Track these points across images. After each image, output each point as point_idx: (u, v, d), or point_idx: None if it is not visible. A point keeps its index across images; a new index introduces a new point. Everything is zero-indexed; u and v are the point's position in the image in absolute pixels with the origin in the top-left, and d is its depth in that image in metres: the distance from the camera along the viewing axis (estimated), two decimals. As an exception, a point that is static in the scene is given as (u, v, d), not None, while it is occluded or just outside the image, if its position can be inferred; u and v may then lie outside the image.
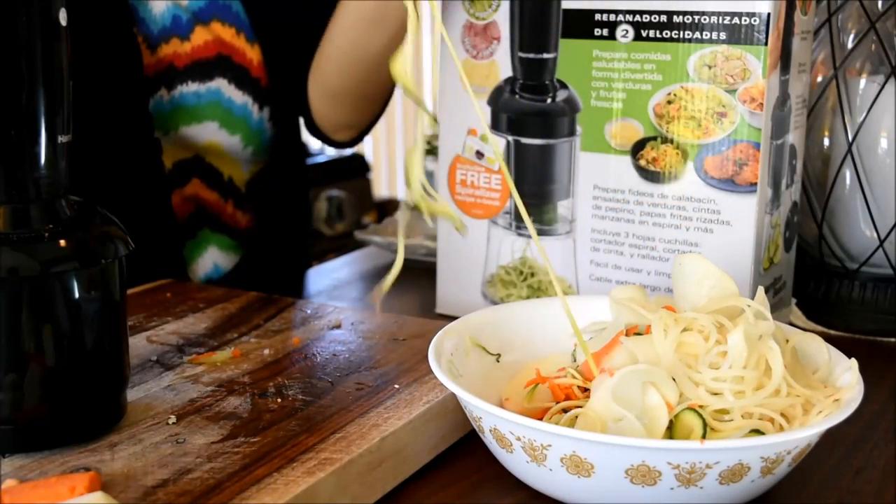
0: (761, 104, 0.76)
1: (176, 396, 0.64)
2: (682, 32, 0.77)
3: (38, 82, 0.54)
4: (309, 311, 0.82)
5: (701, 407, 0.56)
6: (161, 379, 0.67)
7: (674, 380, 0.57)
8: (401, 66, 0.65)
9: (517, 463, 0.57)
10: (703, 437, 0.55)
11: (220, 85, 0.98)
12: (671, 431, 0.56)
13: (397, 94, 1.15)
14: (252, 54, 1.00)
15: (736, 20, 0.75)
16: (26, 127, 0.54)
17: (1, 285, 0.54)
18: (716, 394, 0.56)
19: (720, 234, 0.78)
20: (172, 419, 0.60)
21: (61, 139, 0.56)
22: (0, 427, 0.55)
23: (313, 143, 3.03)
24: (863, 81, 0.89)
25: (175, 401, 0.63)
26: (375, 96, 1.05)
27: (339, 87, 1.03)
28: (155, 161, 0.96)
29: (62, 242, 0.56)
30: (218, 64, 0.98)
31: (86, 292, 0.56)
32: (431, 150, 1.20)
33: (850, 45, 0.90)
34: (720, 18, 0.76)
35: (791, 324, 0.83)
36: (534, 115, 0.84)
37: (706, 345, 0.58)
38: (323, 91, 1.04)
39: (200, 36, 0.97)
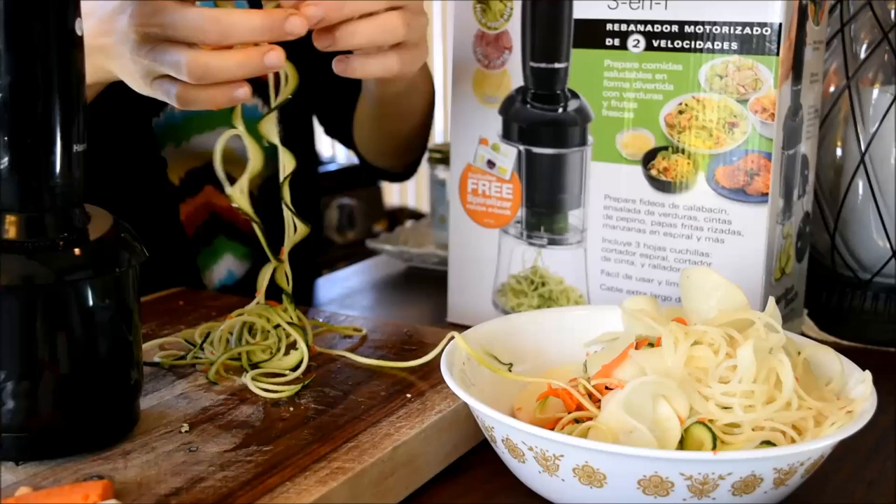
0: (773, 114, 0.76)
1: (189, 405, 0.64)
2: (693, 42, 0.77)
3: (54, 91, 0.55)
4: (320, 320, 0.82)
5: (711, 421, 0.56)
6: (174, 387, 0.67)
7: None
8: (238, 193, 0.73)
9: (529, 473, 0.57)
10: (714, 449, 0.54)
11: None
12: (682, 444, 0.56)
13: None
14: None
15: (747, 30, 0.75)
16: (41, 135, 0.55)
17: (16, 293, 0.54)
18: (726, 408, 0.56)
19: (731, 245, 0.78)
20: (185, 427, 0.61)
21: (76, 148, 0.56)
22: (14, 434, 0.55)
23: (324, 151, 3.03)
24: (875, 91, 0.89)
25: (188, 409, 0.64)
26: (413, 150, 1.15)
27: (379, 150, 1.14)
28: (161, 178, 0.96)
29: (77, 251, 0.56)
30: None
31: (100, 300, 0.57)
32: (443, 159, 1.20)
33: (862, 55, 0.90)
34: (732, 28, 0.76)
35: (803, 334, 0.83)
36: (545, 125, 0.85)
37: (716, 359, 0.58)
38: (366, 151, 1.14)
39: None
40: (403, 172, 1.21)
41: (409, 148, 1.15)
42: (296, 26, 0.66)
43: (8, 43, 0.53)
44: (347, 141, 1.16)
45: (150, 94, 0.71)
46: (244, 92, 0.68)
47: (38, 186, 0.55)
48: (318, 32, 0.70)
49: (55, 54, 0.54)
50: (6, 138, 0.54)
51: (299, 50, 0.73)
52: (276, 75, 0.73)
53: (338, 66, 0.73)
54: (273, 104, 0.73)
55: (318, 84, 1.12)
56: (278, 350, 0.72)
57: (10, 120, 0.54)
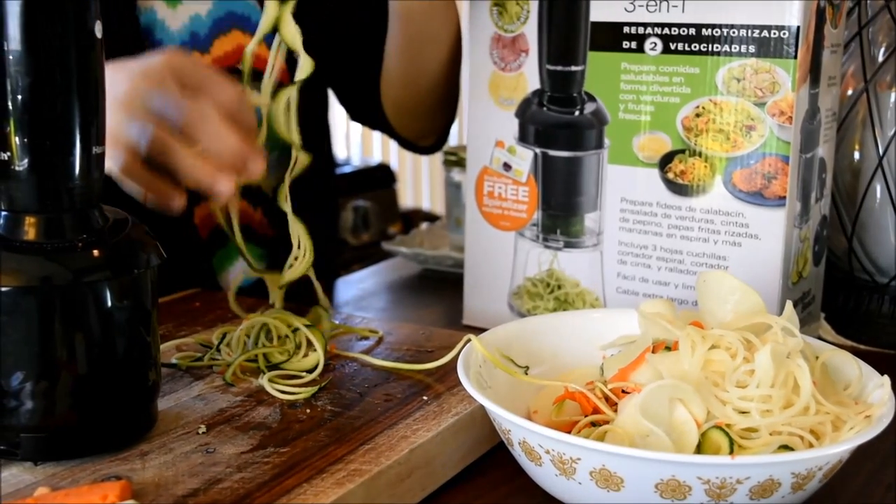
0: (790, 117, 0.75)
1: (206, 406, 0.64)
2: (710, 45, 0.77)
3: (73, 93, 0.55)
4: (336, 322, 0.82)
5: (728, 425, 0.56)
6: (191, 388, 0.68)
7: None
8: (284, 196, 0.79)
9: (546, 476, 0.57)
10: (732, 454, 0.54)
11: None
12: (699, 448, 0.55)
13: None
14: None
15: (765, 33, 0.75)
16: (61, 137, 0.55)
17: (34, 294, 0.54)
18: (743, 412, 0.56)
19: (748, 248, 0.78)
20: (202, 429, 0.61)
21: (95, 150, 0.56)
22: (32, 435, 0.56)
23: (339, 153, 3.03)
24: (893, 95, 0.88)
25: (205, 410, 0.64)
26: (443, 105, 1.11)
27: (407, 103, 1.10)
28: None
29: (95, 252, 0.56)
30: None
31: (117, 301, 0.57)
32: (459, 162, 1.20)
33: (880, 58, 0.90)
34: (749, 32, 0.76)
35: (820, 338, 0.82)
36: (562, 128, 0.85)
37: (733, 363, 0.58)
38: (393, 107, 1.11)
39: (220, 47, 0.98)
40: (435, 143, 1.18)
41: (438, 103, 1.11)
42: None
43: (28, 45, 0.53)
44: (374, 118, 1.14)
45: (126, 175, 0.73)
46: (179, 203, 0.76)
47: (56, 187, 0.55)
48: None
49: (75, 56, 0.55)
50: (26, 140, 0.54)
51: (312, 31, 0.74)
52: (294, 61, 0.76)
53: None
54: (296, 78, 0.76)
55: (338, 59, 1.11)
56: (297, 349, 0.72)
57: (29, 121, 0.54)
